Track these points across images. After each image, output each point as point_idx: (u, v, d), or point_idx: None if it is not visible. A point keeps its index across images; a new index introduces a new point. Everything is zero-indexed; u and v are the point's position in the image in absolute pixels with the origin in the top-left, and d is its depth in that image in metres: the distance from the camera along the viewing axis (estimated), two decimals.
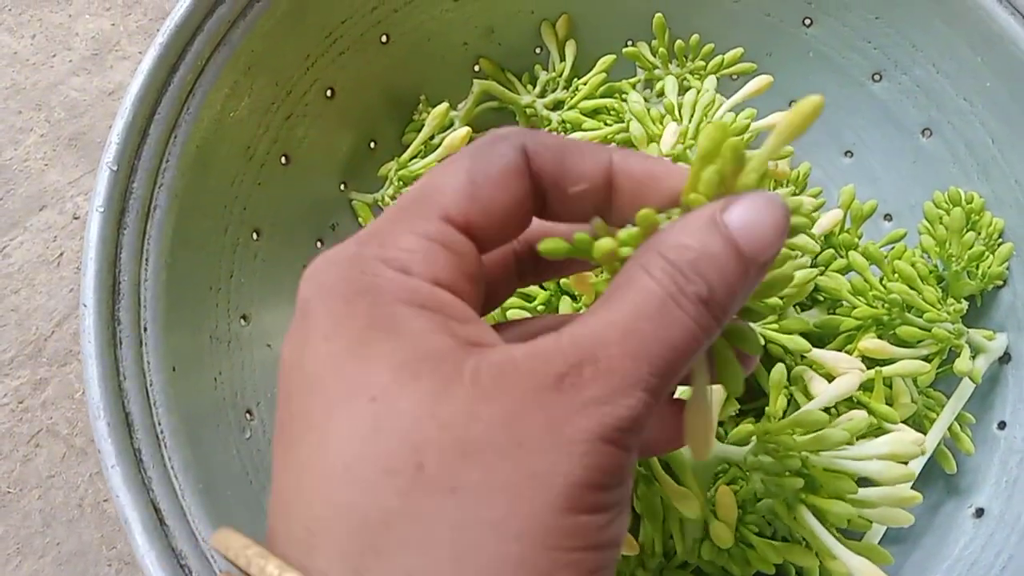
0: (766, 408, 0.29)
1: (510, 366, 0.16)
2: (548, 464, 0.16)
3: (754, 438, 0.28)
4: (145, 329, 0.29)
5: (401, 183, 0.40)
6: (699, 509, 0.27)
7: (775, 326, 0.32)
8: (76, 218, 0.44)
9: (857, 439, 0.29)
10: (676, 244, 0.17)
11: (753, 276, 0.17)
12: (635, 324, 0.17)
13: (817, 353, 0.32)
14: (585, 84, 0.40)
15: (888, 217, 0.43)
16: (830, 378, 0.31)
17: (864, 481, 0.26)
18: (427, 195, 0.19)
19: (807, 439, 0.26)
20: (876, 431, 0.33)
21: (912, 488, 0.34)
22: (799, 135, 0.18)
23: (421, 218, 0.18)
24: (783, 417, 0.29)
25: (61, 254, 0.44)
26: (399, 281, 0.17)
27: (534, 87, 0.42)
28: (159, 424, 0.28)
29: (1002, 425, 0.36)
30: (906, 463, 0.29)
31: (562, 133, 0.40)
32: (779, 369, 0.29)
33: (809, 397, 0.32)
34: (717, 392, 0.32)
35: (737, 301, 0.17)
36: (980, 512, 0.35)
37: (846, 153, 0.44)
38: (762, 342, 0.19)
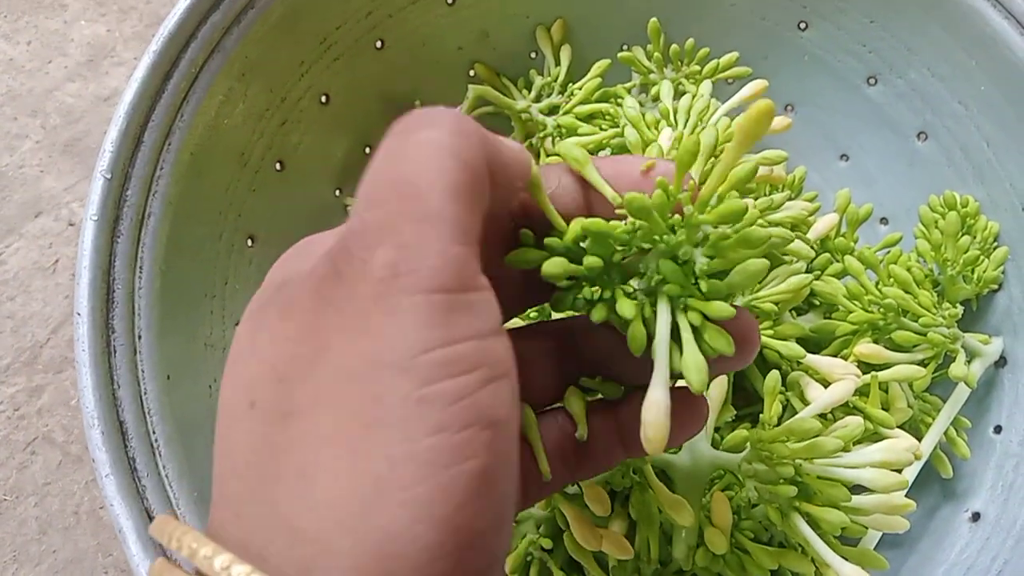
0: (760, 414, 0.29)
1: (297, 280, 0.16)
2: (347, 353, 0.15)
3: (748, 445, 0.28)
4: (139, 337, 0.29)
5: None
6: (692, 517, 0.27)
7: (770, 331, 0.32)
8: (72, 224, 0.44)
9: (853, 444, 0.29)
10: None
11: None
12: (369, 181, 0.16)
13: (812, 359, 0.32)
14: (580, 89, 0.40)
15: (884, 220, 0.43)
16: (826, 383, 0.31)
17: (858, 487, 0.26)
18: None
19: (800, 447, 0.26)
20: (872, 436, 0.33)
21: (909, 492, 0.34)
22: (756, 140, 0.18)
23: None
24: (779, 422, 0.29)
25: (57, 261, 0.44)
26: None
27: (529, 92, 0.42)
28: (153, 432, 0.28)
29: (998, 429, 0.36)
30: (900, 470, 0.29)
31: (557, 138, 0.40)
32: (773, 375, 0.29)
33: (805, 402, 0.32)
34: (717, 389, 0.32)
35: None
36: (976, 516, 0.35)
37: (842, 157, 0.44)
38: (733, 345, 0.18)
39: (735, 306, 0.19)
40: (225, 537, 0.15)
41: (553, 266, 0.19)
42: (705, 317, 0.19)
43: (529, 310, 0.27)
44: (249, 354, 0.17)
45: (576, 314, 0.21)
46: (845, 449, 0.27)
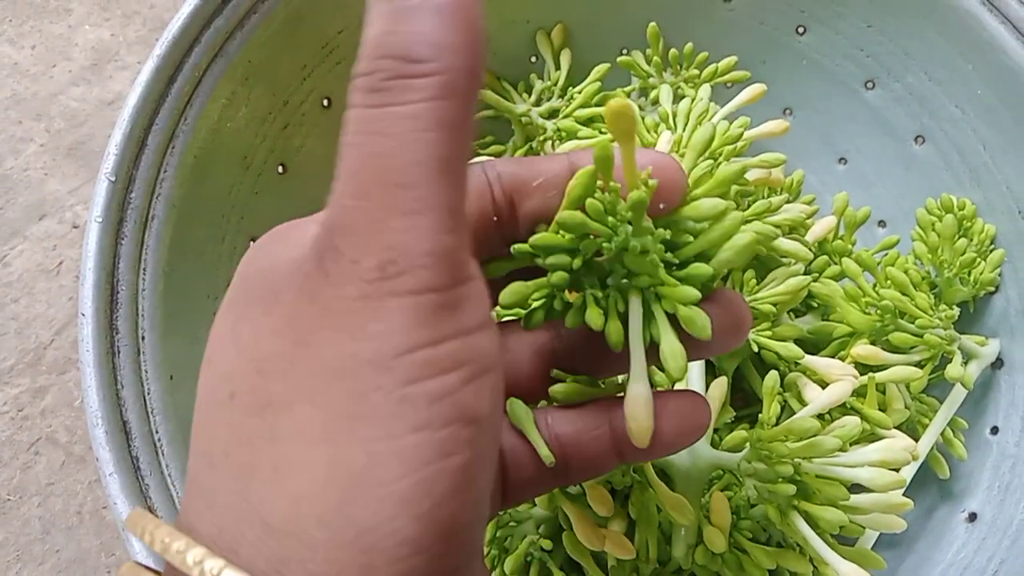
0: (759, 415, 0.29)
1: (281, 270, 0.16)
2: (330, 350, 0.15)
3: (748, 444, 0.28)
4: (143, 338, 0.29)
5: None
6: (693, 516, 0.27)
7: (768, 332, 0.33)
8: (76, 227, 0.45)
9: (851, 445, 0.29)
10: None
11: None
12: (353, 165, 0.15)
13: (810, 360, 0.32)
14: (580, 93, 0.41)
15: (882, 223, 0.43)
16: (823, 384, 0.32)
17: (856, 487, 0.27)
18: None
19: (799, 446, 0.26)
20: (870, 437, 0.33)
21: (906, 493, 0.34)
22: (623, 135, 0.18)
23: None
24: (777, 423, 0.29)
25: (61, 263, 0.44)
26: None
27: (530, 95, 0.43)
28: (156, 432, 0.28)
29: (995, 430, 0.36)
30: (898, 470, 0.29)
31: (558, 141, 0.41)
32: (772, 376, 0.29)
33: (803, 403, 0.32)
34: (717, 389, 0.32)
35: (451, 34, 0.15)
36: (973, 517, 0.35)
37: (840, 160, 0.44)
38: (710, 330, 0.18)
39: (710, 288, 0.19)
40: (198, 530, 0.15)
41: (509, 296, 0.19)
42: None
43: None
44: (229, 345, 0.16)
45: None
46: (843, 449, 0.27)
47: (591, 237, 0.19)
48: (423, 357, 0.14)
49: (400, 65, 0.15)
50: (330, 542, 0.14)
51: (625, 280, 0.19)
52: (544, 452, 0.21)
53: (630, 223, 0.19)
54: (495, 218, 0.20)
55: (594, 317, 0.19)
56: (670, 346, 0.18)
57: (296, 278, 0.16)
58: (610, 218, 0.19)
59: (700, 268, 0.19)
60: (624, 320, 0.19)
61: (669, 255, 0.19)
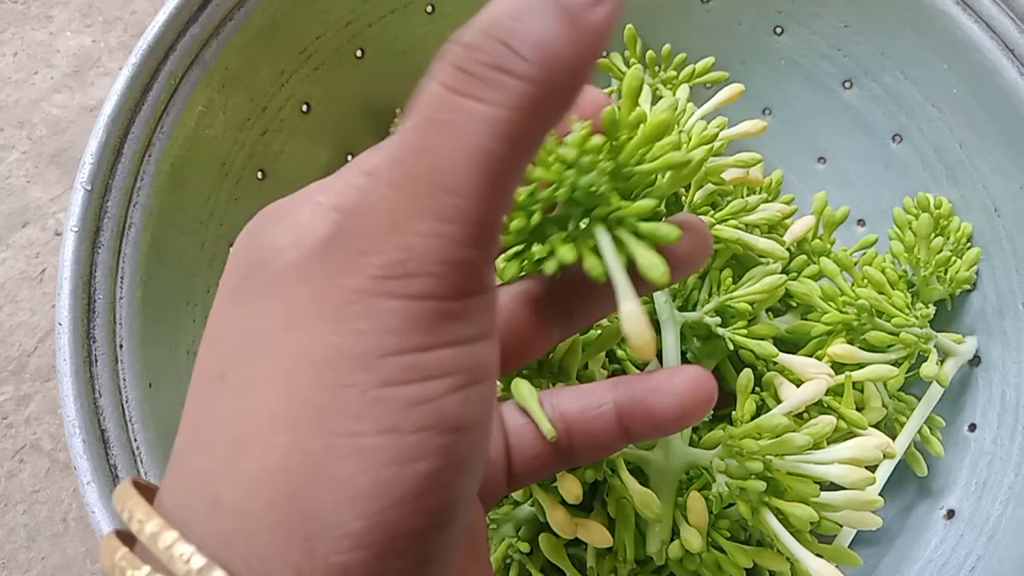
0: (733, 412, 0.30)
1: (287, 255, 0.16)
2: (314, 339, 0.14)
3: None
4: (121, 346, 0.29)
5: None
6: (660, 511, 0.27)
7: (744, 331, 0.33)
8: (58, 234, 0.45)
9: (827, 443, 0.30)
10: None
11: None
12: (406, 148, 0.14)
13: (785, 358, 0.32)
14: None
15: (861, 222, 0.43)
16: (799, 383, 0.32)
17: (830, 486, 0.27)
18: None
19: (770, 443, 0.26)
20: (847, 435, 0.33)
21: (885, 490, 0.34)
22: None
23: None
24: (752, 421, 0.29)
25: (43, 270, 0.44)
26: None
27: None
28: (135, 440, 0.29)
29: (972, 427, 0.36)
30: (874, 468, 0.29)
31: None
32: (746, 374, 0.30)
33: (779, 401, 0.33)
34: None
35: (564, 48, 0.14)
36: (951, 513, 0.35)
37: (819, 159, 0.44)
38: (676, 233, 0.19)
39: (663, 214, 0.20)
40: (164, 503, 0.16)
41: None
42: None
43: None
44: (229, 327, 0.16)
45: None
46: (817, 446, 0.28)
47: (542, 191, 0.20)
48: (408, 361, 0.14)
49: (504, 53, 0.14)
50: (276, 525, 0.14)
51: (585, 219, 0.20)
52: (546, 427, 0.21)
53: (571, 166, 0.19)
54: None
55: (566, 252, 0.20)
56: (646, 259, 0.19)
57: (297, 256, 0.15)
58: (555, 164, 0.19)
59: (645, 204, 0.19)
60: (598, 253, 0.20)
61: (619, 187, 0.20)
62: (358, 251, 0.14)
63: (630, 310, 0.19)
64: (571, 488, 0.27)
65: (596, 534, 0.28)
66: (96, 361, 0.29)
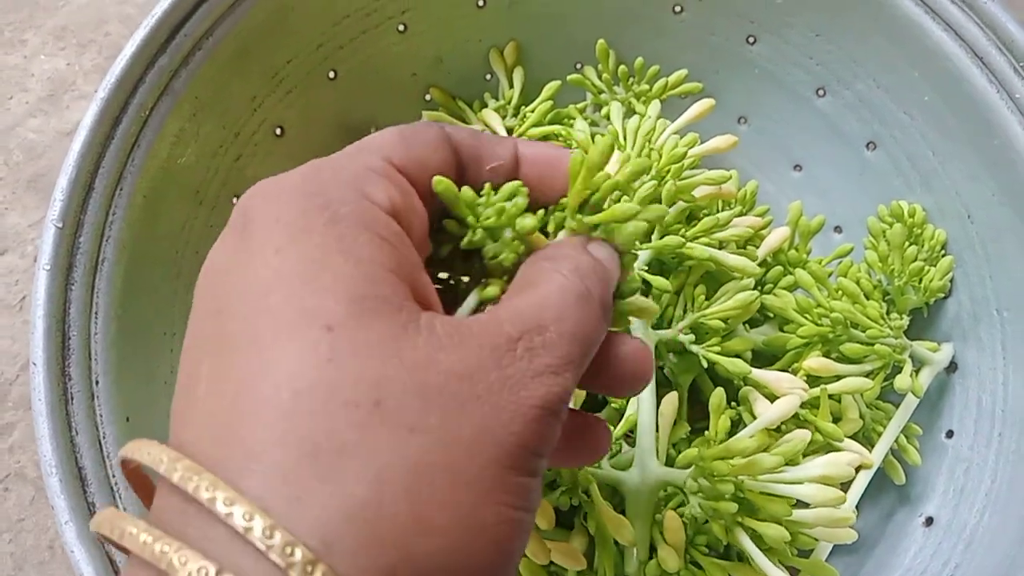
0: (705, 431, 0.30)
1: (464, 326, 0.17)
2: (503, 422, 0.16)
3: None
4: (97, 382, 0.29)
5: None
6: (633, 535, 0.28)
7: (718, 348, 0.33)
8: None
9: (804, 456, 0.30)
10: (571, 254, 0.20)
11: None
12: (563, 310, 0.18)
13: (759, 374, 0.33)
14: (533, 112, 0.41)
15: (838, 229, 0.43)
16: (774, 398, 0.32)
17: (803, 502, 0.27)
18: (365, 144, 0.20)
19: (740, 464, 0.26)
20: (826, 447, 0.33)
21: (864, 498, 0.35)
22: None
23: (366, 155, 0.19)
24: (731, 437, 0.29)
25: (23, 297, 0.44)
26: (359, 204, 0.18)
27: None
28: (113, 476, 0.29)
29: (950, 434, 0.37)
30: (851, 481, 0.29)
31: None
32: (718, 394, 0.30)
33: (755, 417, 0.33)
34: (668, 405, 0.32)
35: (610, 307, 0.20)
36: (930, 521, 0.35)
37: (795, 167, 0.44)
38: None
39: None
40: (180, 436, 0.16)
41: None
42: None
43: None
44: (382, 351, 0.16)
45: None
46: (793, 462, 0.28)
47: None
48: (540, 465, 0.17)
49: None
50: (432, 569, 0.15)
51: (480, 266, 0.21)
52: None
53: (485, 228, 0.20)
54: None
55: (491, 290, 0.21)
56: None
57: (481, 339, 0.17)
58: (470, 217, 0.20)
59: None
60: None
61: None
62: (542, 368, 0.17)
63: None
64: (543, 514, 0.27)
65: (570, 558, 0.28)
66: (72, 399, 0.29)
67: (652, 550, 0.30)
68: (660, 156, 0.33)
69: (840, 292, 0.35)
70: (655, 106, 0.38)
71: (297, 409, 0.15)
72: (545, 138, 0.41)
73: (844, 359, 0.35)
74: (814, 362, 0.34)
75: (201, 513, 0.15)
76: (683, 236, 0.33)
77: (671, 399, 0.32)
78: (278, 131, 0.39)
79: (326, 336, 0.16)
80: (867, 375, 0.35)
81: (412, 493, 0.15)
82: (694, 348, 0.33)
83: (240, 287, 0.17)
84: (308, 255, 0.17)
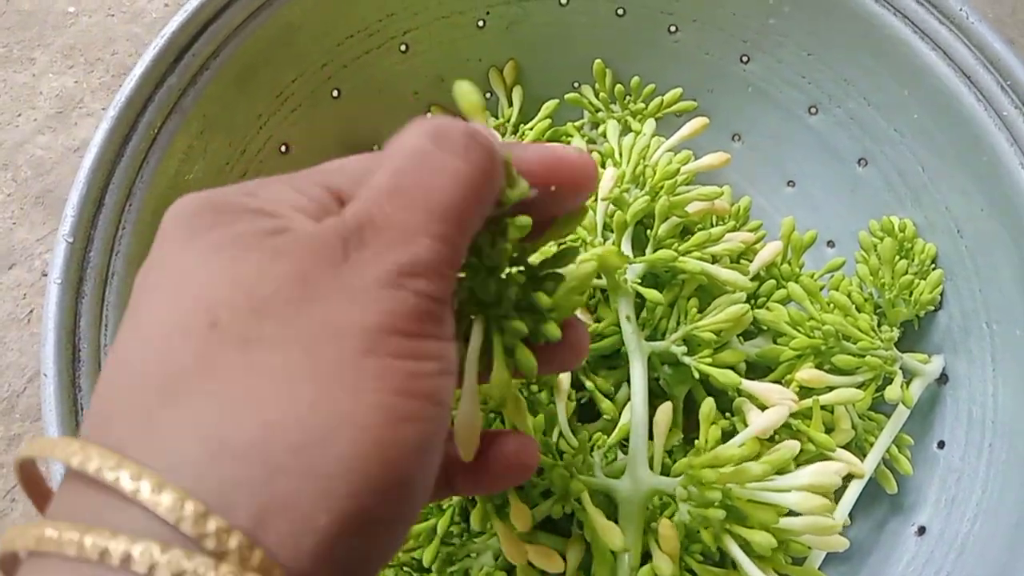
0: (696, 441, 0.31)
1: (301, 235, 0.18)
2: (339, 313, 0.17)
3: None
4: None
5: None
6: (623, 542, 0.28)
7: (709, 360, 0.34)
8: (45, 275, 0.46)
9: (797, 464, 0.30)
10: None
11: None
12: (398, 181, 0.18)
13: (749, 385, 0.33)
14: (532, 129, 0.42)
15: (831, 244, 0.44)
16: (765, 409, 0.33)
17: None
18: (327, 169, 0.21)
19: (729, 472, 0.27)
20: (819, 457, 0.34)
21: (857, 506, 0.35)
22: None
23: (304, 181, 0.20)
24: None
25: (31, 311, 0.45)
26: (252, 205, 0.18)
27: None
28: None
29: (941, 444, 0.37)
30: (841, 490, 0.30)
31: None
32: (708, 403, 0.31)
33: (747, 427, 0.34)
34: (663, 415, 0.33)
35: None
36: (922, 530, 0.36)
37: (788, 183, 0.45)
38: (535, 370, 0.22)
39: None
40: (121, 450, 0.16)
41: None
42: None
43: None
44: (218, 277, 0.17)
45: None
46: (784, 471, 0.29)
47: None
48: (413, 344, 0.17)
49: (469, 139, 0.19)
50: (297, 468, 0.15)
51: (475, 307, 0.22)
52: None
53: (486, 270, 0.21)
54: None
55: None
56: (499, 375, 0.21)
57: (315, 244, 0.17)
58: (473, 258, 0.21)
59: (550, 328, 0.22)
60: (467, 341, 0.22)
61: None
62: (374, 252, 0.17)
63: (465, 411, 0.21)
64: (520, 517, 0.28)
65: (545, 559, 0.29)
66: (82, 409, 0.29)
67: (647, 557, 0.31)
68: (654, 172, 0.34)
69: (832, 305, 0.36)
70: (650, 124, 0.39)
71: (144, 347, 0.17)
72: None
73: (836, 371, 0.35)
74: (807, 374, 0.34)
75: (83, 482, 0.16)
76: (676, 250, 0.33)
77: (666, 409, 0.33)
78: (283, 148, 0.40)
79: (177, 280, 0.17)
80: (859, 386, 0.35)
81: (256, 400, 0.16)
82: (686, 360, 0.34)
83: (142, 275, 0.18)
84: (190, 232, 0.18)
